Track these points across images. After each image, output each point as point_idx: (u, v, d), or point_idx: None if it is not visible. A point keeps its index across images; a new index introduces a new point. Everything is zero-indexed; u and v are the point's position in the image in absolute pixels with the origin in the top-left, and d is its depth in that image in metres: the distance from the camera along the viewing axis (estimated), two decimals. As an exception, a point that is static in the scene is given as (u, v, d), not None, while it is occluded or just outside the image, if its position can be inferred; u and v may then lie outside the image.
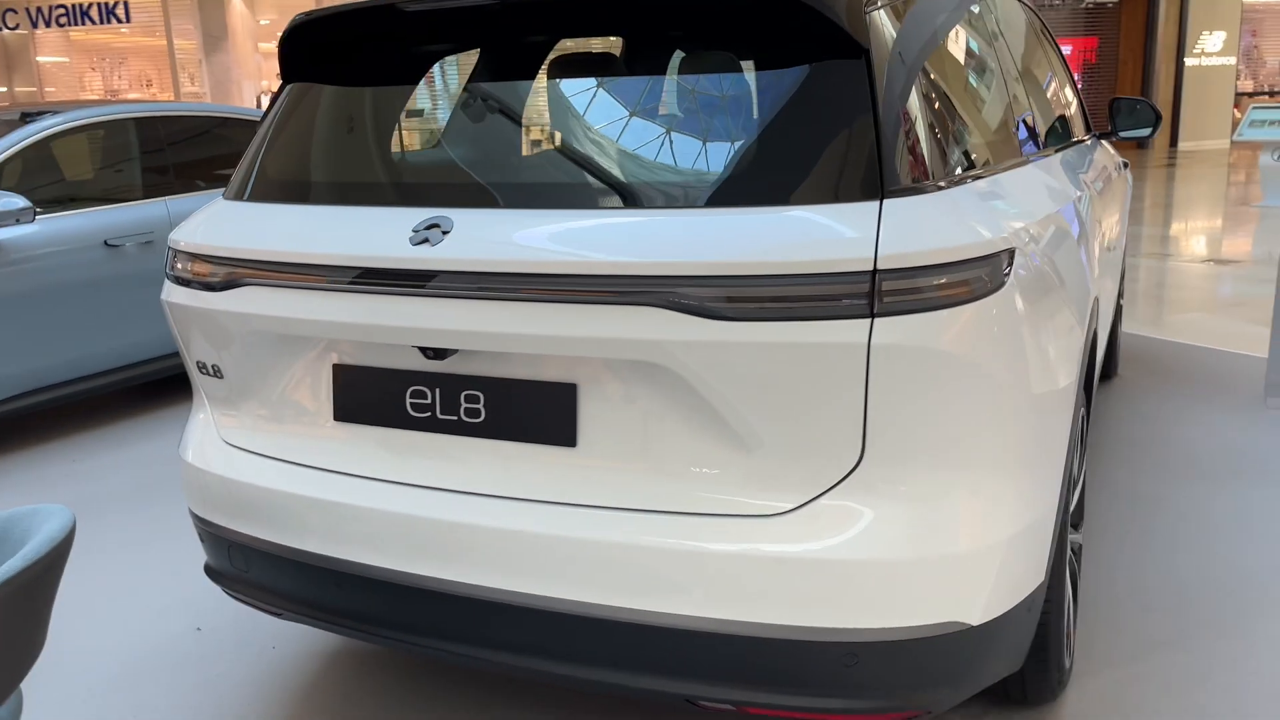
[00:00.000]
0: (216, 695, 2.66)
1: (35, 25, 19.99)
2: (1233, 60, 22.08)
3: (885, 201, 1.72)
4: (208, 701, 2.63)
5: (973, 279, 1.72)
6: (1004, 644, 1.97)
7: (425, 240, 1.83)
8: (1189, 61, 21.76)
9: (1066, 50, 21.70)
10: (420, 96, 2.21)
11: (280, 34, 2.20)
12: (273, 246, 2.02)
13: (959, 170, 1.94)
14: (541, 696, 2.54)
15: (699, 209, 1.78)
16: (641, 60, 2.06)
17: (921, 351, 1.67)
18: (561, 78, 2.11)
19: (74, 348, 4.63)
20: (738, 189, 1.80)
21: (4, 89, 20.20)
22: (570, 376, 1.84)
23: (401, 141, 2.22)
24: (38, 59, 20.42)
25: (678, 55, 1.99)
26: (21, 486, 4.20)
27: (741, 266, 1.67)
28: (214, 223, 2.18)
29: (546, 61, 2.11)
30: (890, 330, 1.65)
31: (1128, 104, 4.20)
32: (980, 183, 1.95)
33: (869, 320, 1.65)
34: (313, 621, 2.19)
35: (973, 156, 2.06)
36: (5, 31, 19.71)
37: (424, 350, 1.89)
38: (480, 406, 1.91)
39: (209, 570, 2.39)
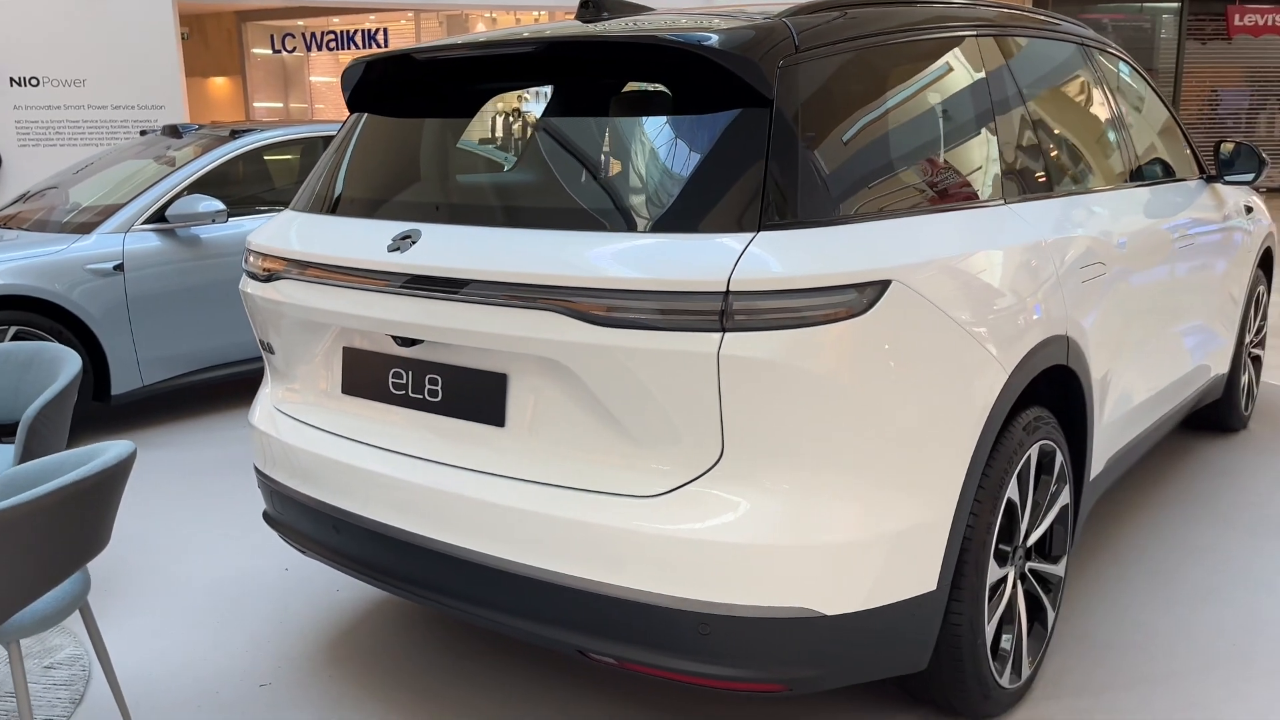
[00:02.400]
0: (282, 621, 3.20)
1: (309, 49, 22.25)
2: None
3: (761, 234, 1.97)
4: (274, 627, 3.17)
5: (829, 305, 1.94)
6: (879, 640, 2.14)
7: (398, 248, 2.25)
8: None
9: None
10: (414, 129, 2.65)
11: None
12: (295, 248, 2.51)
13: (859, 210, 2.14)
14: (558, 667, 2.91)
15: (599, 231, 2.09)
16: (577, 107, 2.39)
17: (769, 365, 1.91)
18: (510, 118, 2.48)
19: (254, 331, 5.41)
20: (639, 216, 2.11)
21: (281, 105, 22.63)
22: (502, 368, 2.20)
23: (403, 164, 2.66)
24: (310, 79, 22.76)
25: (605, 100, 2.31)
26: (200, 441, 5.00)
27: (620, 281, 1.98)
28: (271, 227, 2.70)
29: (499, 104, 2.50)
30: (739, 344, 1.91)
31: (1234, 149, 4.10)
32: (879, 221, 2.14)
33: (720, 334, 1.91)
34: (323, 559, 2.65)
35: (886, 198, 2.24)
36: (284, 54, 22.09)
37: (396, 339, 2.31)
38: (439, 388, 2.31)
39: (265, 516, 2.90)
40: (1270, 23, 19.52)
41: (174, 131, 6.04)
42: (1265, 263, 4.81)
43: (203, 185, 5.38)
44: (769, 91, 2.07)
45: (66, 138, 8.64)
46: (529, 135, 2.49)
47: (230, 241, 5.36)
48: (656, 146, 2.20)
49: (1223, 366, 4.38)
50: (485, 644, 3.00)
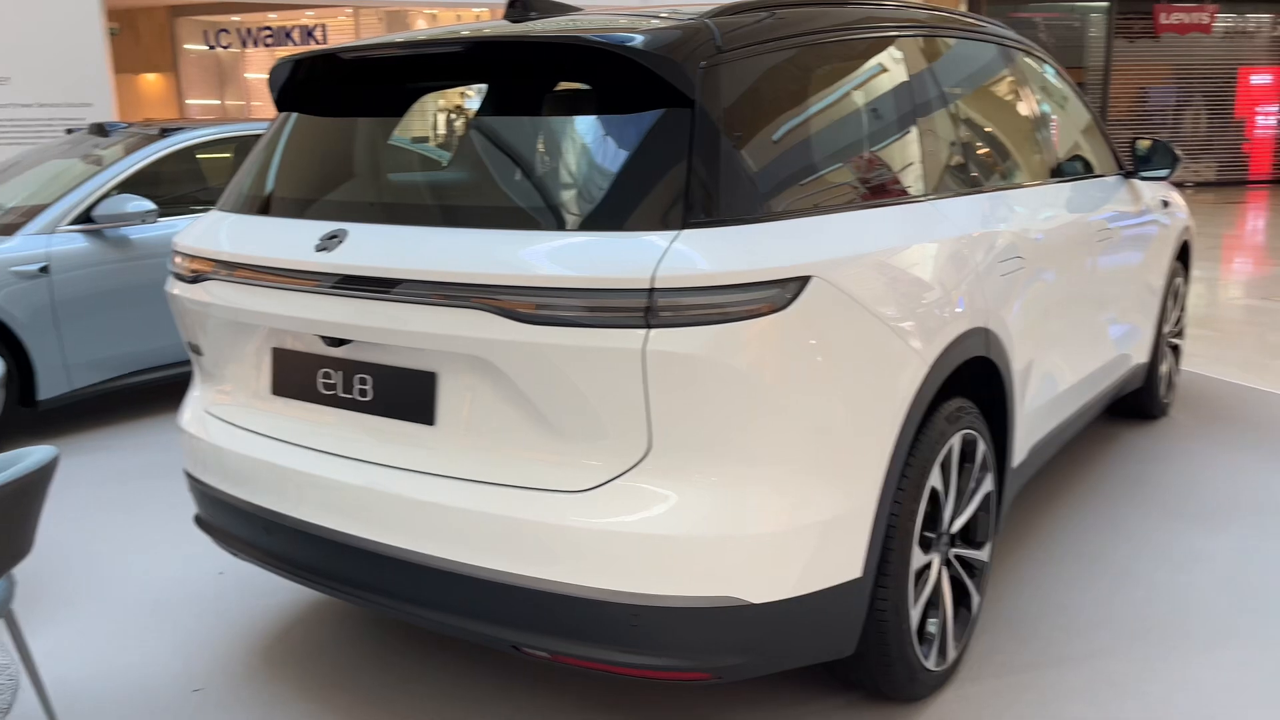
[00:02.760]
0: (216, 626, 3.17)
1: (245, 45, 21.91)
2: None
3: (684, 231, 2.01)
4: (207, 631, 3.14)
5: (752, 300, 1.98)
6: (806, 627, 2.19)
7: (325, 248, 2.25)
8: (1400, 93, 20.11)
9: (1263, 79, 20.55)
10: (342, 128, 2.64)
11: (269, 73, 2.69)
12: (221, 248, 2.50)
13: (780, 207, 2.18)
14: (492, 663, 2.92)
15: (526, 230, 2.11)
16: (503, 106, 2.42)
17: (694, 359, 1.95)
18: (437, 118, 2.50)
19: (187, 333, 5.34)
20: (565, 214, 2.13)
21: (216, 102, 22.24)
22: (431, 366, 2.21)
23: (330, 163, 2.64)
24: (246, 75, 22.40)
25: (530, 100, 2.34)
26: (131, 446, 4.92)
27: (547, 279, 2.00)
28: (198, 228, 2.68)
29: (426, 104, 2.51)
30: (665, 340, 1.94)
31: (1151, 146, 4.24)
32: (801, 219, 2.19)
33: (645, 330, 1.94)
34: (256, 562, 2.63)
35: (808, 195, 2.28)
36: (219, 50, 21.72)
37: (325, 339, 2.31)
38: (369, 388, 2.31)
39: (196, 519, 2.87)
40: (1196, 21, 20.09)
41: (101, 130, 5.92)
42: (1183, 255, 4.97)
43: (131, 185, 5.29)
44: (691, 91, 2.10)
45: (-10, 137, 8.44)
46: (456, 134, 2.50)
47: (161, 242, 5.26)
48: (582, 145, 2.22)
49: (1143, 356, 4.53)
50: (422, 644, 3.00)
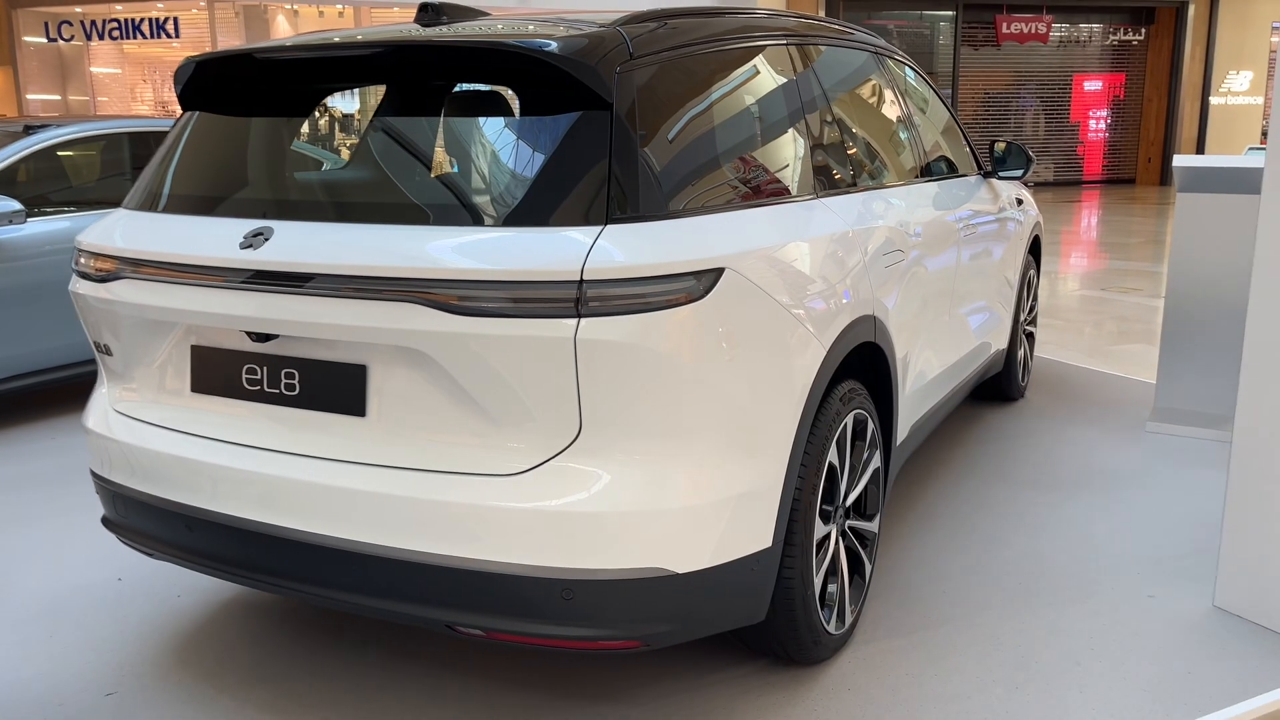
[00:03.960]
0: (121, 632, 3.12)
1: (89, 38, 20.86)
2: (1260, 100, 22.09)
3: (608, 227, 2.14)
4: (113, 636, 3.09)
5: (672, 291, 2.13)
6: (723, 594, 2.35)
7: (250, 246, 2.29)
8: (1214, 100, 21.90)
9: (1095, 85, 21.98)
10: (259, 127, 2.67)
11: (174, 72, 2.69)
12: (139, 247, 2.49)
13: (693, 203, 2.34)
14: (408, 653, 2.98)
15: (457, 226, 2.21)
16: (431, 108, 2.50)
17: (621, 346, 2.09)
18: (366, 116, 2.57)
19: (59, 337, 5.14)
20: (495, 211, 2.24)
21: (59, 98, 21.09)
22: (361, 359, 2.27)
23: (247, 162, 2.68)
24: (92, 70, 21.31)
25: (454, 102, 2.44)
26: (20, 455, 4.73)
27: (481, 273, 2.10)
28: (106, 227, 2.66)
29: (355, 105, 2.58)
30: (594, 328, 2.07)
31: (1007, 148, 4.60)
32: (712, 214, 2.36)
33: (576, 319, 2.07)
34: (174, 559, 2.63)
35: (717, 192, 2.45)
36: (61, 43, 20.63)
37: (250, 335, 2.34)
38: (296, 382, 2.36)
39: (104, 520, 2.84)
40: (1034, 30, 21.37)
41: (-44, 127, 5.64)
42: (1034, 249, 5.39)
43: (-5, 184, 5.08)
44: (609, 95, 2.24)
45: None
46: (379, 135, 2.56)
47: (29, 243, 5.08)
48: (506, 146, 2.33)
49: (1002, 342, 4.90)
50: (336, 635, 3.04)
